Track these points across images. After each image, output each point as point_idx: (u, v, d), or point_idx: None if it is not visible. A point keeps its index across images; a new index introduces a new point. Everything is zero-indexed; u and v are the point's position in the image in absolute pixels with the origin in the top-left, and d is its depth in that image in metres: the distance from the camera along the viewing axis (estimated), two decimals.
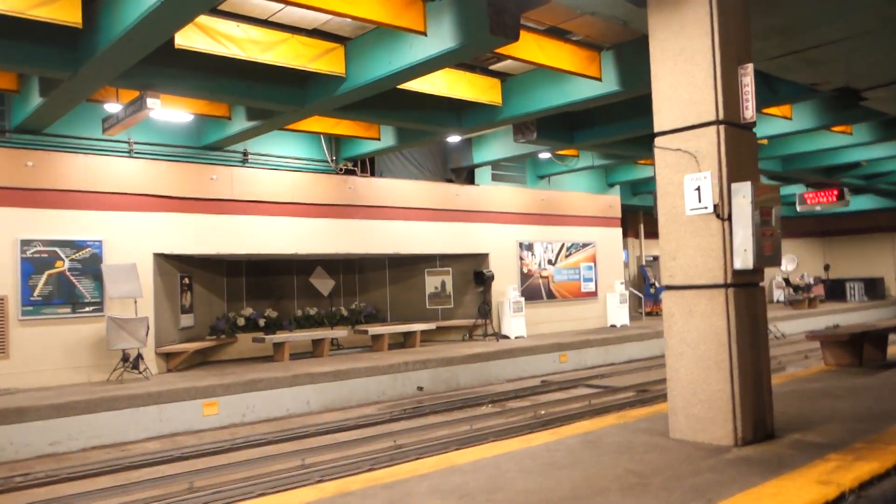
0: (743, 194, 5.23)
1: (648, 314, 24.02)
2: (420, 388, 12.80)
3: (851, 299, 28.05)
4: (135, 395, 9.77)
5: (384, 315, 17.07)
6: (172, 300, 12.64)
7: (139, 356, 11.11)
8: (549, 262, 18.30)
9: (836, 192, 22.51)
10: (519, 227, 17.67)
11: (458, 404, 11.44)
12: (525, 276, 17.70)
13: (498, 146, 15.40)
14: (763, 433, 5.23)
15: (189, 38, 7.92)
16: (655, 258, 26.78)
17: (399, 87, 9.77)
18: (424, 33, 7.72)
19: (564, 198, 18.80)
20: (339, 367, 11.89)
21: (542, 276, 18.09)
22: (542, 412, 10.48)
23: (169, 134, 12.27)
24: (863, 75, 9.05)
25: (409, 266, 17.02)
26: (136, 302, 11.24)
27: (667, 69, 5.61)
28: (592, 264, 19.31)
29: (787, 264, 28.53)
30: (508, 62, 10.30)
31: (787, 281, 25.44)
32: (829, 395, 6.88)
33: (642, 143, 15.02)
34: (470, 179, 16.88)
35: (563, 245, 18.66)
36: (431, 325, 15.68)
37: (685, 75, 5.49)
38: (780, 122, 13.47)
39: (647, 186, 22.04)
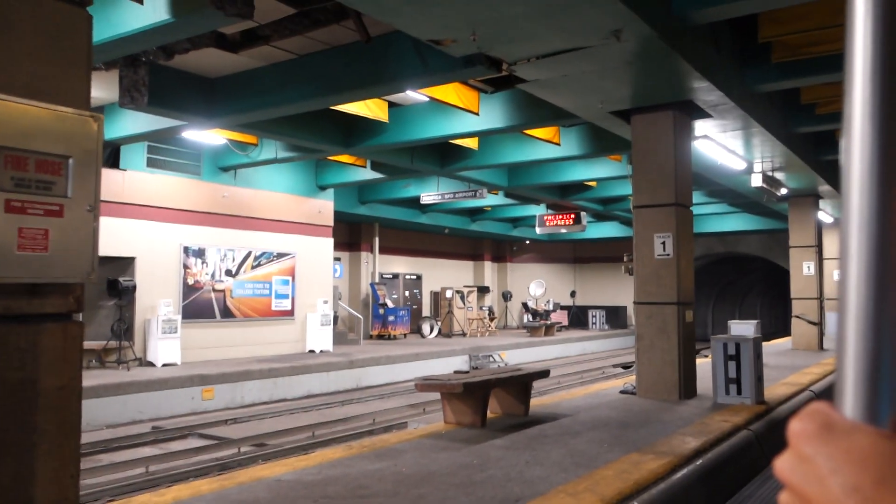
0: None
1: (380, 337, 21.55)
2: None
3: (593, 327, 27.58)
4: None
5: None
6: None
7: None
8: (229, 272, 15.03)
9: (572, 216, 21.54)
10: (186, 227, 14.25)
11: None
12: (190, 289, 14.27)
13: (145, 118, 11.93)
14: None
15: None
16: (395, 276, 24.52)
17: None
18: None
19: (256, 197, 15.68)
20: None
21: (215, 290, 14.75)
22: None
23: None
24: (500, 37, 6.73)
25: None
26: None
27: None
28: (290, 278, 16.30)
29: (535, 289, 27.55)
30: None
31: (525, 306, 24.18)
32: (363, 494, 4.20)
33: (323, 129, 12.27)
34: (114, 162, 13.22)
35: (249, 254, 15.47)
36: None
37: None
38: (469, 118, 11.31)
39: (374, 194, 19.54)
